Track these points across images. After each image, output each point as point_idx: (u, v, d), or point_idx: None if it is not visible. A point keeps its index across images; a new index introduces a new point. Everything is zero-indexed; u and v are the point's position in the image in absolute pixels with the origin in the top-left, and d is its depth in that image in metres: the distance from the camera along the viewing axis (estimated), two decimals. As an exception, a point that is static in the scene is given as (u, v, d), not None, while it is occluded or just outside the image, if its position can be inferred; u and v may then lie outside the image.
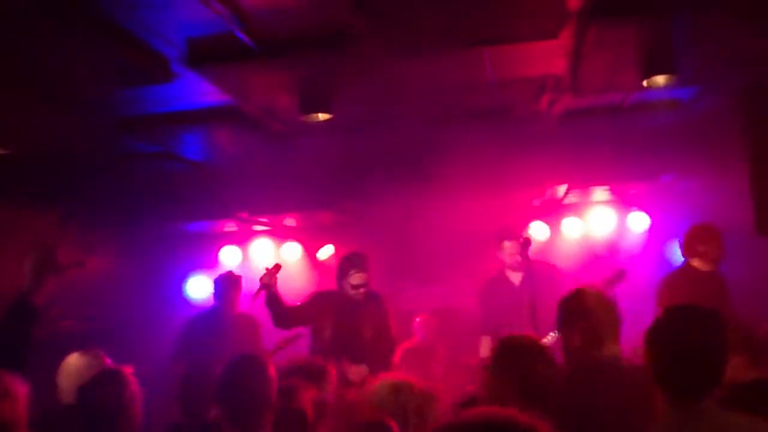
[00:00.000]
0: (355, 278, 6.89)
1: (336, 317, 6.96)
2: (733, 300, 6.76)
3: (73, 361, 4.72)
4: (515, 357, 3.74)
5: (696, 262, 6.90)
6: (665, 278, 6.97)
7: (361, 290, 6.93)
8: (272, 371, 4.13)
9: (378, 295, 7.19)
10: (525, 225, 6.61)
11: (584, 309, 3.89)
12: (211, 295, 7.78)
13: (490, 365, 3.84)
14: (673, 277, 6.95)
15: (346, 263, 7.02)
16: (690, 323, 3.08)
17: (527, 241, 6.80)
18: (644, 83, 5.51)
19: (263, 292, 6.88)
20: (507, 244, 7.35)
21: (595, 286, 6.50)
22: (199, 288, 9.56)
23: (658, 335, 3.12)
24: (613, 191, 9.20)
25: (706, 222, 7.02)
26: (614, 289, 6.50)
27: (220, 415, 4.01)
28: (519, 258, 7.02)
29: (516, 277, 7.31)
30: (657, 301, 6.54)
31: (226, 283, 7.65)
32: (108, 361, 4.83)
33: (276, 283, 6.94)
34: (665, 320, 3.17)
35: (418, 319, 9.17)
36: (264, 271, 6.96)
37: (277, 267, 7.06)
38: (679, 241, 7.09)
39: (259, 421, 3.94)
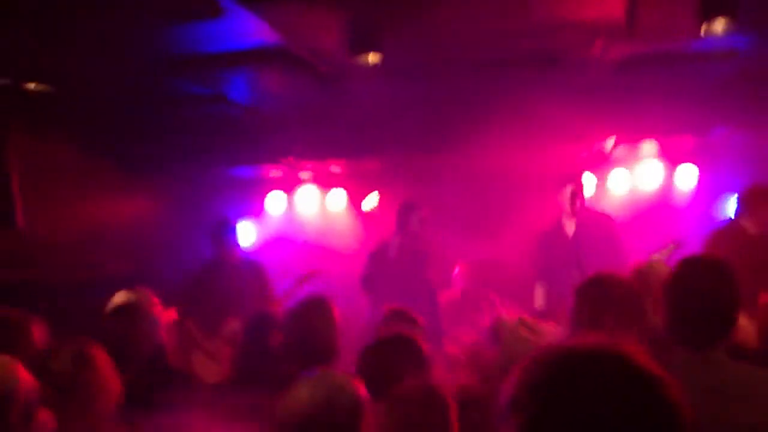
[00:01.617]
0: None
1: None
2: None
3: (120, 299, 4.74)
4: None
5: (746, 222, 6.79)
6: (712, 235, 6.88)
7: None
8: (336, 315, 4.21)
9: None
10: (583, 171, 6.64)
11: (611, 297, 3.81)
12: (211, 245, 7.69)
13: None
14: (722, 235, 6.84)
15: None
16: (702, 275, 3.16)
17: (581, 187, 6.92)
18: (702, 29, 5.35)
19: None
20: (569, 187, 7.34)
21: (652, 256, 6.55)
22: (245, 233, 9.61)
23: (672, 286, 3.21)
24: (662, 145, 9.05)
25: (764, 184, 6.89)
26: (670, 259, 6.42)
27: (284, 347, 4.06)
28: (578, 203, 7.02)
29: (570, 227, 7.25)
30: None
31: (222, 230, 7.61)
32: (156, 300, 4.86)
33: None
34: (680, 272, 3.24)
35: (457, 269, 9.13)
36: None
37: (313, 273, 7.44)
38: (736, 197, 6.98)
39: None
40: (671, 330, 3.15)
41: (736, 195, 7.03)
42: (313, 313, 4.22)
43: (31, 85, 6.26)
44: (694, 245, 6.93)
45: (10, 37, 5.37)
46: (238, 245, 7.65)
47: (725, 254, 5.94)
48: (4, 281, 6.34)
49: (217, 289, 7.29)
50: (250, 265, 7.61)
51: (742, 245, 6.56)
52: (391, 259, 7.56)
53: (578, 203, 7.12)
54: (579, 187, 7.21)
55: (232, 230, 7.64)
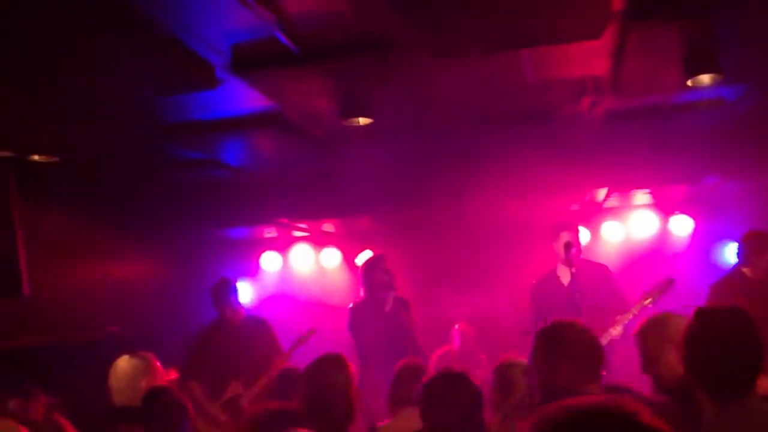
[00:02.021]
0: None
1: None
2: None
3: (124, 363, 4.78)
4: None
5: (747, 270, 6.86)
6: (716, 284, 6.95)
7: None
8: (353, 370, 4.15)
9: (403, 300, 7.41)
10: (578, 221, 6.61)
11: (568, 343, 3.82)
12: (213, 305, 7.55)
13: None
14: (725, 284, 6.91)
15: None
16: (724, 324, 3.13)
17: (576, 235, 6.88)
18: (689, 83, 5.44)
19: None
20: (564, 234, 7.30)
21: (644, 294, 6.59)
22: (242, 293, 9.60)
23: (693, 339, 3.17)
24: (654, 194, 9.11)
25: (763, 231, 6.96)
26: (663, 298, 6.45)
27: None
28: (573, 250, 7.01)
29: (565, 276, 7.20)
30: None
31: (223, 290, 7.49)
32: (157, 363, 4.88)
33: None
34: (698, 323, 3.20)
35: (456, 327, 9.13)
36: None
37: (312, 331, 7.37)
38: (738, 245, 7.05)
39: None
40: (700, 383, 3.11)
41: (734, 243, 7.10)
42: (333, 370, 4.13)
43: (35, 157, 6.34)
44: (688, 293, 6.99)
45: (13, 112, 5.45)
46: (240, 305, 7.57)
47: (729, 302, 6.07)
48: (13, 348, 6.43)
49: (220, 351, 7.23)
50: (255, 323, 7.52)
51: (745, 292, 6.61)
52: (387, 313, 7.46)
53: (574, 251, 7.07)
54: (574, 235, 7.19)
55: (234, 290, 7.54)
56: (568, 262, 7.01)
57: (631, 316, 6.39)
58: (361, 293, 7.59)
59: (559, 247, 7.24)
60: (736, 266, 7.02)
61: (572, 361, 3.51)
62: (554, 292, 7.23)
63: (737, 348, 3.06)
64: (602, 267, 7.54)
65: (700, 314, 3.24)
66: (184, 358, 7.28)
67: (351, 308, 7.58)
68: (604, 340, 6.02)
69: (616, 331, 6.41)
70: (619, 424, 1.48)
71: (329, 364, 4.14)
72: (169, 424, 4.36)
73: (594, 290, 6.97)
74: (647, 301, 6.49)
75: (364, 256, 9.73)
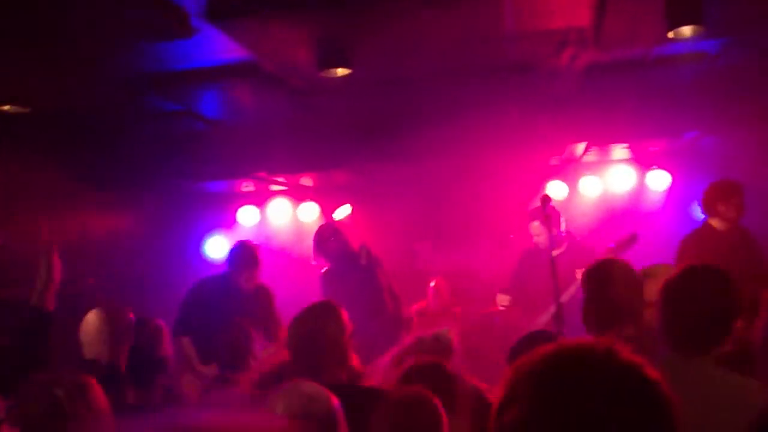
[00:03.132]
0: None
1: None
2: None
3: (94, 316, 4.72)
4: None
5: (715, 222, 6.88)
6: (685, 239, 6.96)
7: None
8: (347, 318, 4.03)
9: None
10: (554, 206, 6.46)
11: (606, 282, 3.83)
12: (226, 261, 7.24)
13: None
14: (693, 238, 6.94)
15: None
16: (700, 284, 3.19)
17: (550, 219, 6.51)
18: (670, 35, 5.39)
19: None
20: (535, 224, 7.38)
21: (608, 250, 6.59)
22: (217, 248, 9.57)
23: (668, 293, 3.22)
24: (632, 149, 9.11)
25: (725, 180, 6.99)
26: (626, 252, 6.45)
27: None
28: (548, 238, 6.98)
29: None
30: (677, 262, 6.51)
31: (248, 260, 7.10)
32: (131, 315, 4.84)
33: None
34: (677, 279, 3.25)
35: (432, 283, 9.14)
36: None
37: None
38: (698, 199, 7.07)
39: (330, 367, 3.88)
40: (665, 333, 3.17)
41: (697, 199, 7.15)
42: (321, 318, 3.99)
43: (6, 107, 6.23)
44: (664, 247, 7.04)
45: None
46: (258, 275, 7.17)
47: (697, 255, 6.12)
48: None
49: (225, 315, 6.97)
50: (264, 294, 7.22)
51: (712, 246, 6.65)
52: (362, 266, 7.40)
53: (556, 232, 6.99)
54: (554, 219, 7.03)
55: (256, 260, 7.12)
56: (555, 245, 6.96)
57: None
58: (314, 262, 7.59)
59: (538, 233, 7.37)
60: (704, 220, 7.05)
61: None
62: (539, 264, 7.22)
63: (709, 305, 3.12)
64: (587, 248, 7.50)
65: (685, 269, 3.29)
66: (178, 312, 7.05)
67: (323, 275, 7.55)
68: (565, 297, 6.05)
69: (575, 287, 6.40)
70: (604, 360, 1.51)
71: (317, 312, 4.04)
72: None
73: (568, 261, 6.93)
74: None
75: (342, 211, 9.72)
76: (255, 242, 7.52)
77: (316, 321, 3.96)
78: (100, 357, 4.64)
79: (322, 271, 7.56)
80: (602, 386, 1.46)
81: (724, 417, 2.89)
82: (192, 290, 7.20)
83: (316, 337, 3.87)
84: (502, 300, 7.57)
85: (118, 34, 5.12)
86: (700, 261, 3.39)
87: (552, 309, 6.70)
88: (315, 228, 8.28)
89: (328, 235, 7.48)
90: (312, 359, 3.84)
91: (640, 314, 3.86)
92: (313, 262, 7.63)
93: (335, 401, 2.92)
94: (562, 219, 7.53)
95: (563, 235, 7.34)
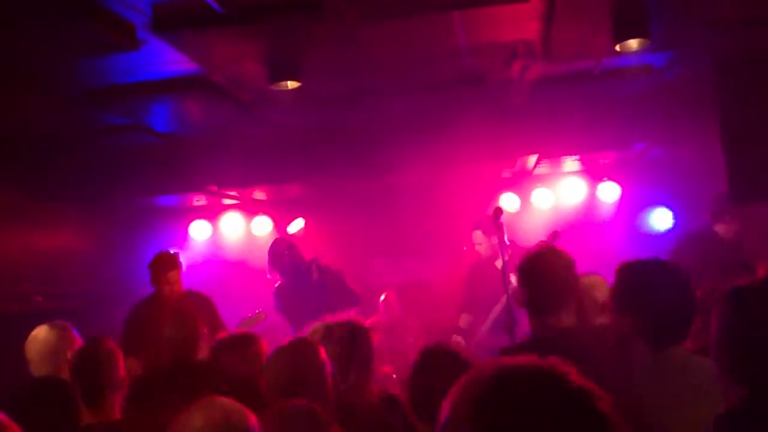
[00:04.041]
0: None
1: None
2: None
3: (42, 333, 4.63)
4: None
5: (719, 228, 7.28)
6: (685, 237, 7.44)
7: None
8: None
9: None
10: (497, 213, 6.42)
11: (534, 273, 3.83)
12: (150, 280, 7.08)
13: None
14: (694, 238, 7.33)
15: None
16: (663, 277, 3.21)
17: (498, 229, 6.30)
18: (617, 48, 5.46)
19: None
20: (477, 233, 7.41)
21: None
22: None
23: (639, 288, 3.23)
24: (583, 161, 9.20)
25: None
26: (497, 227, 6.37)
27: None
28: (490, 247, 7.01)
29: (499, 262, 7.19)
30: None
31: (162, 265, 7.05)
32: (75, 333, 4.75)
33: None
34: (636, 275, 3.27)
35: (382, 297, 9.12)
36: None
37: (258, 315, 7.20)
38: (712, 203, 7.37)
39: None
40: (642, 333, 3.17)
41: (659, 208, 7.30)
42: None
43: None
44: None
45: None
46: (179, 281, 7.07)
47: (700, 254, 6.28)
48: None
49: (156, 330, 6.90)
50: (194, 300, 7.08)
51: (717, 248, 6.97)
52: (314, 281, 7.42)
53: (501, 243, 7.01)
54: (498, 231, 7.02)
55: (171, 264, 7.06)
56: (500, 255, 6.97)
57: None
58: (269, 276, 7.56)
59: (482, 243, 7.39)
60: (709, 224, 7.35)
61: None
62: (488, 276, 7.24)
63: (675, 298, 3.15)
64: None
65: (636, 265, 3.30)
66: (122, 334, 7.03)
67: (277, 288, 7.53)
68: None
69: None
70: (548, 386, 1.46)
71: (296, 349, 3.83)
72: None
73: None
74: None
75: (296, 225, 9.68)
76: (173, 250, 7.49)
77: (296, 358, 3.83)
78: (56, 373, 4.55)
79: (276, 285, 7.53)
80: (550, 414, 1.42)
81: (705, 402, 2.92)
82: (129, 313, 7.10)
83: (295, 375, 3.75)
84: (464, 321, 7.57)
85: (65, 48, 5.04)
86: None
87: (492, 315, 6.79)
88: (268, 242, 8.24)
89: (282, 249, 7.47)
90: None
91: (577, 297, 3.85)
92: (269, 276, 7.57)
93: (252, 418, 2.85)
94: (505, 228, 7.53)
95: (507, 244, 7.32)
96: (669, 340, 3.15)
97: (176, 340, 5.00)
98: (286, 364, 3.75)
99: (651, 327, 3.16)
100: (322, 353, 3.76)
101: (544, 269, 3.79)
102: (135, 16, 4.80)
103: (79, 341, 4.68)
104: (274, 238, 9.69)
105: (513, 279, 6.43)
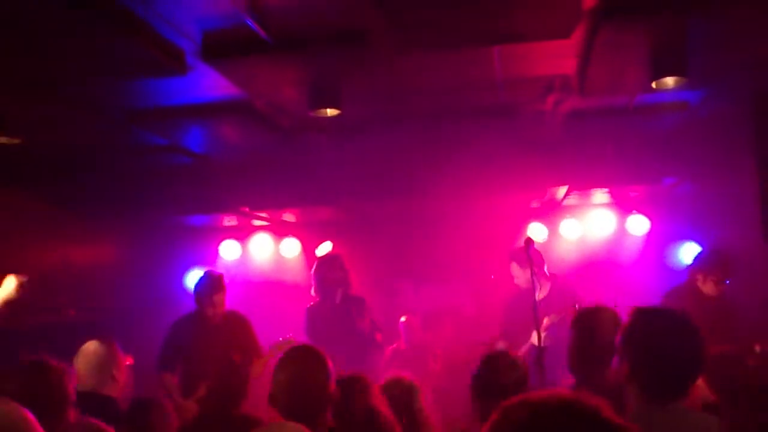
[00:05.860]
0: None
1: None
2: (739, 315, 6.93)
3: (92, 347, 4.75)
4: None
5: (701, 284, 7.03)
6: (670, 293, 7.09)
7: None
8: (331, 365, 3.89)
9: None
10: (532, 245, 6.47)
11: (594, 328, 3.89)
12: (194, 299, 7.27)
13: None
14: (679, 293, 7.13)
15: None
16: (666, 326, 3.16)
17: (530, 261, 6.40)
18: (653, 85, 5.50)
19: None
20: (514, 265, 7.43)
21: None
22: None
23: (637, 335, 3.19)
24: (612, 194, 9.23)
25: (720, 253, 7.12)
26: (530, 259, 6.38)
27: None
28: (528, 279, 7.01)
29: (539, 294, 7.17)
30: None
31: (209, 288, 7.19)
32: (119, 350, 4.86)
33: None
34: (642, 321, 3.22)
35: (402, 319, 9.19)
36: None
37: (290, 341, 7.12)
38: (691, 259, 7.26)
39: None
40: (634, 377, 3.14)
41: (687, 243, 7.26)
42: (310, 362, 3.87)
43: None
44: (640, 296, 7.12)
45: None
46: (223, 302, 7.23)
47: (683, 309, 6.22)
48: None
49: (196, 348, 7.03)
50: (235, 321, 7.30)
51: (700, 303, 6.78)
52: (336, 304, 7.51)
53: (539, 273, 7.03)
54: (536, 261, 6.99)
55: (218, 287, 7.21)
56: (539, 285, 6.98)
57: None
58: (312, 292, 7.66)
59: (519, 275, 7.39)
60: (691, 278, 7.25)
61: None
62: (526, 308, 7.25)
63: (677, 349, 3.10)
64: (571, 286, 7.56)
65: (645, 312, 3.27)
66: (160, 350, 7.16)
67: (307, 309, 7.63)
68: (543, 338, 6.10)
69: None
70: (582, 421, 1.51)
71: (302, 357, 3.88)
72: None
73: (555, 304, 7.00)
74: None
75: (324, 247, 9.75)
76: (218, 271, 7.61)
77: (302, 366, 3.82)
78: (98, 389, 4.65)
79: (307, 307, 7.61)
80: None
81: None
82: (170, 328, 7.29)
83: (301, 383, 3.78)
84: (500, 347, 7.60)
85: (115, 70, 5.16)
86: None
87: (528, 345, 6.81)
88: (296, 263, 8.34)
89: (334, 262, 7.67)
90: (296, 405, 3.75)
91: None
92: (312, 293, 7.69)
93: None
94: (545, 261, 7.56)
95: (547, 276, 7.39)
96: (663, 392, 3.09)
97: (223, 391, 5.14)
98: (293, 371, 3.82)
99: (646, 374, 3.11)
100: (329, 363, 3.84)
101: (596, 327, 3.88)
102: (185, 42, 4.92)
103: (123, 358, 4.80)
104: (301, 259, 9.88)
105: (547, 319, 6.58)
